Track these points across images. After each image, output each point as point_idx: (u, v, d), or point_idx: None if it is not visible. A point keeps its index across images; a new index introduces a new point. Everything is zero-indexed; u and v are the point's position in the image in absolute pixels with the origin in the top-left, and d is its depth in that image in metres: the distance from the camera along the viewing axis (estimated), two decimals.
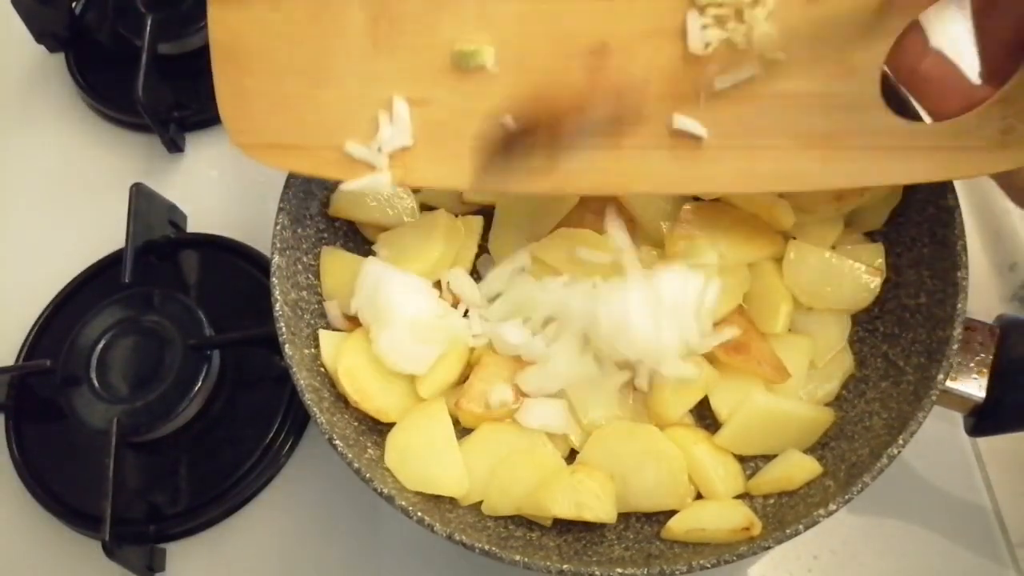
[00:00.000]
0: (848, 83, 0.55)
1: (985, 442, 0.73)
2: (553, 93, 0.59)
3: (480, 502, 0.64)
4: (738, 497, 0.64)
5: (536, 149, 0.60)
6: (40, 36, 1.01)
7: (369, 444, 0.64)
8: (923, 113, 0.57)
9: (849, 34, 0.54)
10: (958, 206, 0.63)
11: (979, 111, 0.53)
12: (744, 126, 0.57)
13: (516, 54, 0.59)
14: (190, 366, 0.76)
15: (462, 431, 0.66)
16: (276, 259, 0.66)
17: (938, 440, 0.72)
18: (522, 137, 0.60)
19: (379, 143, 0.61)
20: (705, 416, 0.67)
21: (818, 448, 0.65)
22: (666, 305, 0.63)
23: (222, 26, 0.60)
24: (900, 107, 0.57)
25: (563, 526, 0.63)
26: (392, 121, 0.60)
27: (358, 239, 0.74)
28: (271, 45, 0.60)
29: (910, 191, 0.67)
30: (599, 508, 0.61)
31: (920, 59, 0.54)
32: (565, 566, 0.56)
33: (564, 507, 0.61)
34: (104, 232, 0.87)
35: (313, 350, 0.67)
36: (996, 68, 0.52)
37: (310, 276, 0.70)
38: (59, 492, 0.77)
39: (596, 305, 0.64)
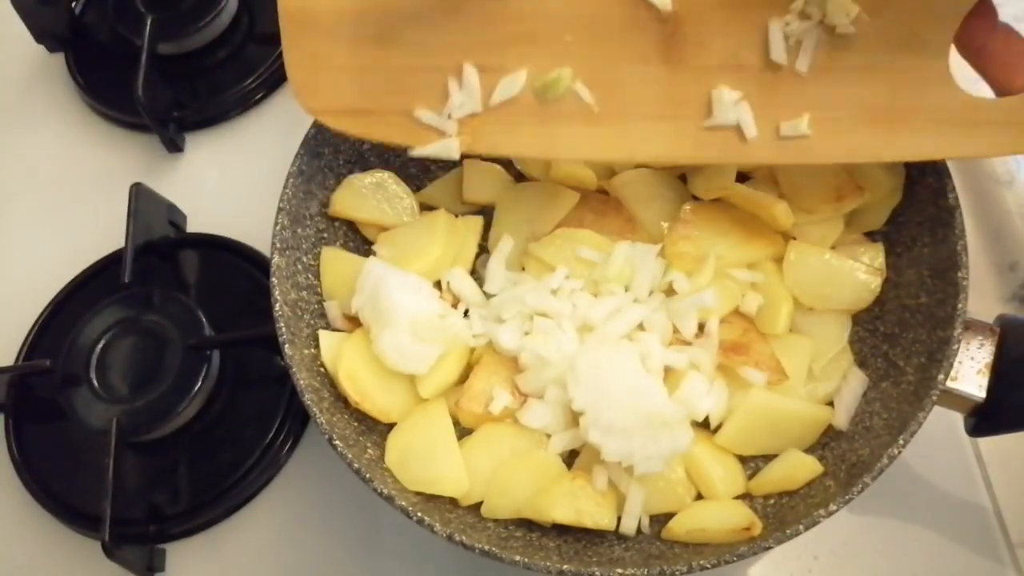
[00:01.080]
0: (917, 58, 0.56)
1: (985, 442, 0.73)
2: (623, 62, 0.59)
3: (480, 503, 0.64)
4: (738, 497, 0.64)
5: (604, 117, 0.60)
6: (40, 36, 1.01)
7: (369, 444, 0.64)
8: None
9: (919, 9, 0.55)
10: (958, 206, 0.63)
11: None
12: (812, 98, 0.58)
13: (587, 23, 0.59)
14: (190, 366, 0.76)
15: (462, 431, 0.66)
16: (276, 259, 0.66)
17: (938, 440, 0.72)
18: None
19: (449, 109, 0.61)
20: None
21: (818, 448, 0.65)
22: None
23: None
24: None
25: (563, 527, 0.63)
26: (462, 88, 0.61)
27: (358, 239, 0.74)
28: (339, 11, 0.60)
29: (910, 191, 0.67)
30: (599, 514, 0.61)
31: (989, 35, 0.54)
32: (565, 566, 0.56)
33: (564, 513, 0.61)
34: (104, 232, 0.87)
35: (313, 350, 0.66)
36: None
37: (310, 276, 0.70)
38: (59, 492, 0.77)
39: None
